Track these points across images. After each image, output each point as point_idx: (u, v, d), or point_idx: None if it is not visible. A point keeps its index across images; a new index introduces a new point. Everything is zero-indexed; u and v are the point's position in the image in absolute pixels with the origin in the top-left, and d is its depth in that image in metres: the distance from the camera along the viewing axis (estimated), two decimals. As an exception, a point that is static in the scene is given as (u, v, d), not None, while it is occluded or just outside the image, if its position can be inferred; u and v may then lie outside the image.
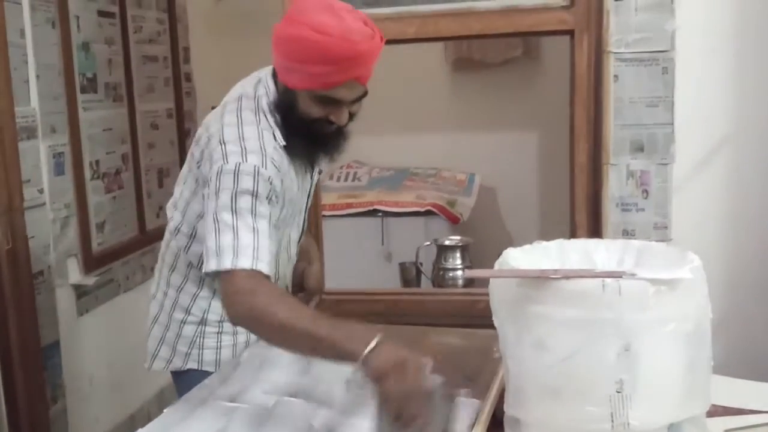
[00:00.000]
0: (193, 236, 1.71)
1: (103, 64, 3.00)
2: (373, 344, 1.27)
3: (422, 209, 3.28)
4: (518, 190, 3.84)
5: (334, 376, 1.50)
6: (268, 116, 1.59)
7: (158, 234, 3.33)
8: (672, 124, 1.96)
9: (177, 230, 1.75)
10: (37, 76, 2.56)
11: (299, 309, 1.45)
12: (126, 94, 3.17)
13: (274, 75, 1.62)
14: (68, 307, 2.76)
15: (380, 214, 3.27)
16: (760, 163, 1.97)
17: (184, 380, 1.73)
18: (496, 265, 1.30)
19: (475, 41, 3.61)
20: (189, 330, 1.76)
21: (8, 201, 2.31)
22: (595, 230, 2.05)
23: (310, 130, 1.57)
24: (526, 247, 1.37)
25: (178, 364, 1.78)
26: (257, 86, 1.63)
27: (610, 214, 2.03)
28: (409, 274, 2.68)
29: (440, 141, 3.84)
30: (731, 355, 1.94)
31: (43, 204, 2.60)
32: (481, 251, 2.83)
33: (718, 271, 2.00)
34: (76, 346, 2.78)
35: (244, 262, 1.43)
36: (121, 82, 3.14)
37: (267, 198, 1.52)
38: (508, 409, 1.26)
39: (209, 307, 1.75)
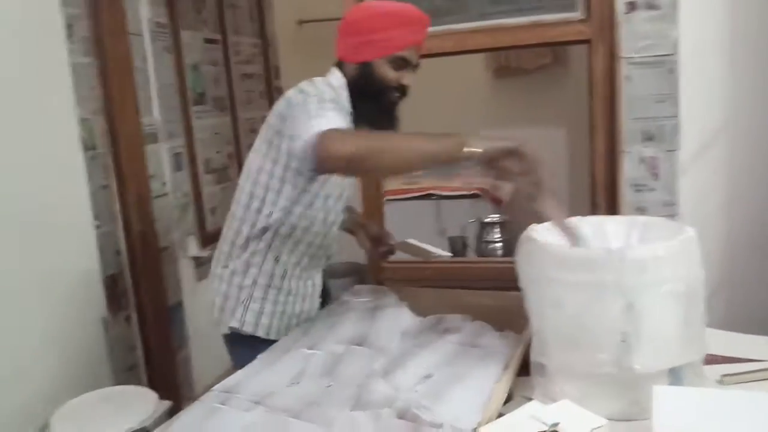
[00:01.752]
0: (253, 197, 1.58)
1: (210, 81, 3.07)
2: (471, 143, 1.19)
3: (470, 192, 3.26)
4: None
5: (392, 330, 1.52)
6: (336, 90, 1.55)
7: (257, 216, 3.45)
8: (677, 116, 1.90)
9: (242, 195, 1.61)
10: (158, 93, 2.65)
11: (395, 135, 1.46)
12: (229, 105, 3.25)
13: (339, 67, 1.60)
14: (189, 275, 2.86)
15: (435, 197, 3.27)
16: (753, 148, 1.89)
17: (229, 342, 1.69)
18: (521, 239, 1.29)
19: (512, 51, 3.54)
20: (243, 293, 1.64)
21: (138, 192, 2.40)
22: (613, 208, 2.00)
23: (381, 96, 1.56)
24: (547, 223, 1.35)
25: (226, 321, 1.66)
26: (321, 79, 1.57)
27: (626, 194, 1.98)
28: (457, 246, 2.67)
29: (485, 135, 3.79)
30: (730, 311, 1.88)
31: (167, 194, 2.69)
32: (520, 227, 2.79)
33: (718, 239, 1.93)
34: (197, 305, 2.87)
35: (335, 124, 1.33)
36: (225, 95, 3.22)
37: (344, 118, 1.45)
38: (534, 356, 1.25)
39: (260, 272, 1.63)
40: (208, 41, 3.08)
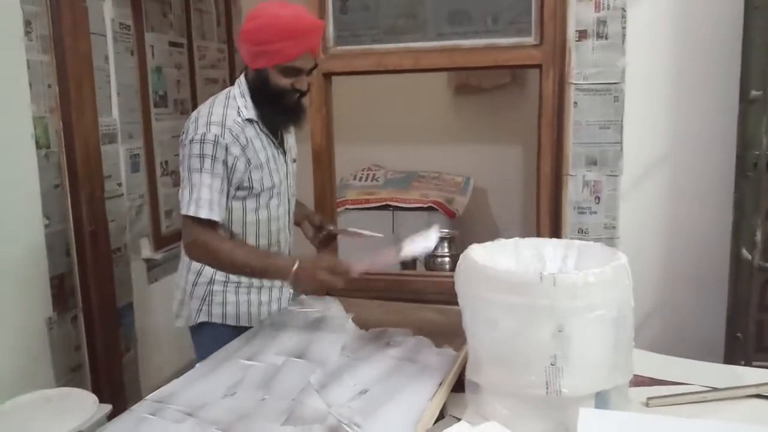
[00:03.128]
0: None
1: (172, 84, 3.01)
2: (295, 267, 1.51)
3: (425, 205, 3.25)
4: (504, 191, 3.78)
5: (333, 342, 1.49)
6: (237, 99, 1.66)
7: (215, 220, 3.39)
8: (621, 143, 1.92)
9: None
10: (118, 93, 2.58)
11: (242, 248, 1.65)
12: (191, 108, 3.18)
13: (246, 75, 1.68)
14: (140, 277, 2.79)
15: (391, 208, 3.25)
16: (694, 175, 1.92)
17: (198, 333, 1.78)
18: (461, 258, 1.27)
19: (472, 70, 3.56)
20: (200, 290, 1.75)
21: (91, 192, 2.33)
22: (556, 228, 2.01)
23: (278, 99, 1.63)
24: (488, 243, 1.34)
25: (194, 319, 1.77)
26: (231, 88, 1.70)
27: (569, 215, 1.99)
28: (407, 259, 2.64)
29: (443, 150, 3.79)
30: (664, 336, 1.90)
31: (122, 195, 2.62)
32: (470, 241, 2.78)
33: (655, 264, 1.95)
34: (147, 307, 2.81)
35: (202, 212, 1.57)
36: (188, 98, 3.15)
37: (223, 162, 1.59)
38: (469, 375, 1.23)
39: (215, 271, 1.73)
40: (173, 44, 3.02)
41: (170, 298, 2.94)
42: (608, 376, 1.14)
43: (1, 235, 1.99)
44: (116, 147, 2.58)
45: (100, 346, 2.38)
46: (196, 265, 1.74)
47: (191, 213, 1.57)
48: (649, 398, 1.26)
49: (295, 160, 1.84)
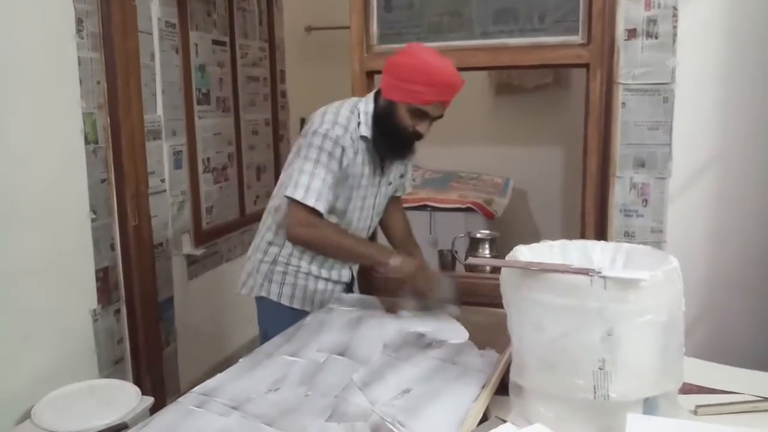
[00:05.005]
0: (282, 208, 1.83)
1: (215, 82, 3.06)
2: (397, 258, 1.70)
3: (464, 206, 3.23)
4: (545, 193, 3.75)
5: (375, 341, 1.50)
6: (361, 114, 1.76)
7: (255, 217, 3.39)
8: (670, 144, 1.89)
9: (276, 202, 1.87)
10: (163, 91, 2.63)
11: (346, 237, 1.78)
12: (233, 106, 3.23)
13: (376, 96, 1.78)
14: (181, 272, 2.84)
15: (429, 208, 3.25)
16: (743, 179, 1.88)
17: (259, 304, 1.93)
18: (507, 258, 1.27)
19: (513, 70, 3.54)
20: (264, 268, 1.88)
21: (136, 188, 2.38)
22: (601, 231, 1.99)
23: (396, 134, 1.74)
24: (534, 245, 1.33)
25: (256, 291, 1.91)
26: (360, 99, 1.81)
27: (615, 218, 1.96)
28: (446, 260, 2.64)
29: (482, 150, 3.78)
30: (710, 343, 1.86)
31: (164, 191, 2.67)
32: (511, 243, 2.76)
33: (702, 270, 1.91)
34: (186, 302, 2.86)
35: (310, 200, 1.67)
36: (229, 96, 3.20)
37: (338, 161, 1.70)
38: (513, 377, 1.23)
39: (279, 252, 1.86)
40: (216, 43, 3.07)
41: (209, 294, 3.04)
42: (657, 381, 1.12)
43: (51, 228, 2.05)
44: (160, 143, 2.63)
45: (141, 340, 2.43)
46: (263, 246, 1.89)
47: (299, 198, 1.67)
48: (698, 406, 1.24)
49: (390, 183, 1.93)
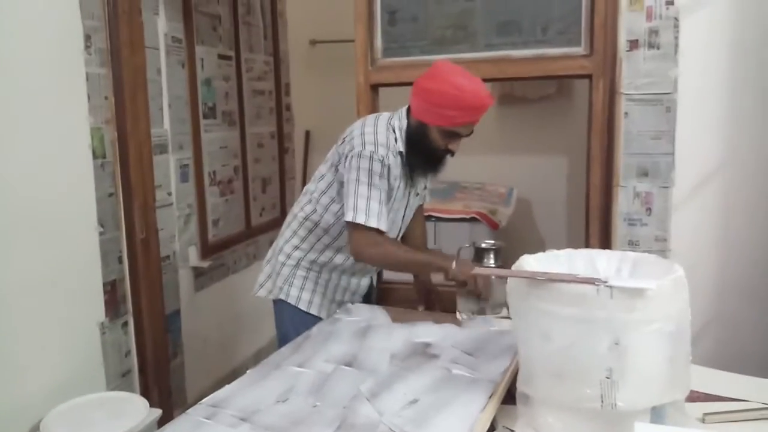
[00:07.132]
0: (321, 213, 1.89)
1: (221, 96, 3.08)
2: (455, 262, 1.73)
3: (468, 216, 3.23)
4: (549, 202, 3.75)
5: (382, 351, 1.50)
6: (396, 130, 1.80)
7: (261, 229, 3.44)
8: (673, 154, 1.90)
9: (308, 210, 1.93)
10: (169, 105, 2.65)
11: (408, 250, 1.83)
12: (238, 120, 3.25)
13: (408, 112, 1.81)
14: (188, 284, 2.85)
15: (434, 219, 3.25)
16: (747, 187, 1.89)
17: (276, 306, 1.98)
18: (513, 268, 1.28)
19: (517, 81, 3.55)
20: (285, 271, 1.95)
21: (143, 201, 2.39)
22: (606, 240, 1.99)
23: (430, 152, 1.78)
24: (540, 254, 1.34)
25: (275, 294, 1.97)
26: (392, 115, 1.84)
27: (619, 227, 1.97)
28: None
29: (487, 160, 3.78)
30: (717, 350, 1.86)
31: (171, 204, 2.69)
32: (516, 253, 2.76)
33: (708, 277, 1.92)
34: (193, 314, 2.86)
35: (372, 221, 1.72)
36: (235, 110, 3.22)
37: (387, 179, 1.76)
38: (520, 386, 1.23)
39: (304, 257, 1.93)
40: (222, 57, 3.09)
41: (216, 305, 3.04)
42: (665, 390, 1.12)
43: (59, 241, 2.07)
44: (167, 157, 2.65)
45: (149, 352, 2.44)
46: (287, 249, 1.95)
47: (361, 221, 1.72)
48: (705, 414, 1.24)
49: (417, 194, 1.97)
